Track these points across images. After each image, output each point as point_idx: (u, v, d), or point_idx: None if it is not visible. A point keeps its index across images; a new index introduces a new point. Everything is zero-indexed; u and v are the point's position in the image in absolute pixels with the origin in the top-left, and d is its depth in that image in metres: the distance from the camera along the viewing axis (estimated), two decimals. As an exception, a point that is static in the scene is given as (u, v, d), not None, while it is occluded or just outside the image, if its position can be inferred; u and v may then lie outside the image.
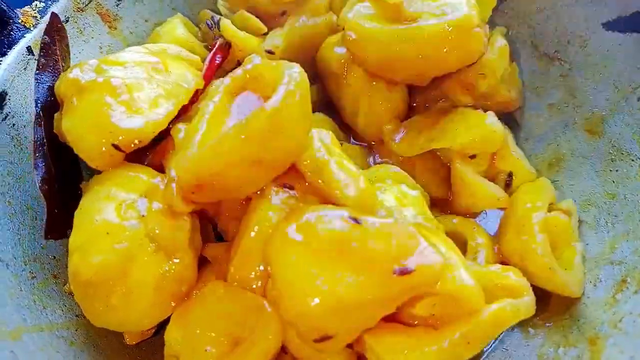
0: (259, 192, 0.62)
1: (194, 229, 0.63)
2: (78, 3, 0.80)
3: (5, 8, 0.74)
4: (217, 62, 0.77)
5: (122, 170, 0.63)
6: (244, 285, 0.59)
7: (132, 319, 0.59)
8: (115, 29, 0.86)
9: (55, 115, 0.67)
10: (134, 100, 0.61)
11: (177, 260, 0.60)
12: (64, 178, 0.66)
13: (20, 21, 0.75)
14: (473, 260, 0.71)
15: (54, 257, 0.70)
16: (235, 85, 0.63)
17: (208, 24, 0.85)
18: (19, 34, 0.75)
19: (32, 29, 0.75)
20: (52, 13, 0.71)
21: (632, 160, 0.72)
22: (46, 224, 0.64)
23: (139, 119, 0.61)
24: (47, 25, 0.69)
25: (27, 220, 0.69)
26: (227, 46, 0.80)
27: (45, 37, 0.67)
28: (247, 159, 0.55)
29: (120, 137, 0.60)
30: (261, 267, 0.59)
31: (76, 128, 0.62)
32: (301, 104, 0.56)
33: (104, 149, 0.60)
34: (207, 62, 0.75)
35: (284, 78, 0.56)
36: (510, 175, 0.79)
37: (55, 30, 0.69)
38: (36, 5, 0.78)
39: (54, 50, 0.67)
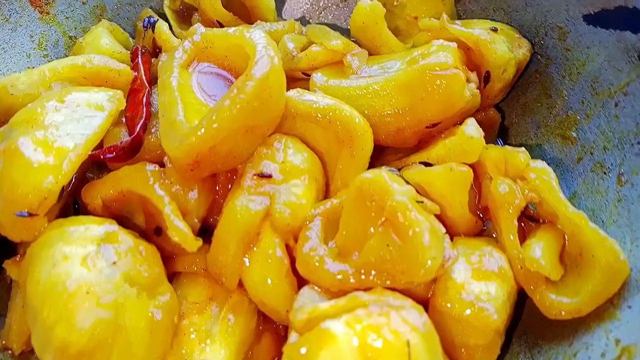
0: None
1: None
2: (0, -14, 0.72)
3: None
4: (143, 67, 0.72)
5: (59, 229, 0.58)
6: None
7: None
8: (48, 13, 0.78)
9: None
10: (36, 157, 0.57)
11: (162, 297, 0.59)
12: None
13: None
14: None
15: None
16: (188, 59, 0.66)
17: (144, 24, 0.79)
18: None
19: None
20: None
21: (604, 173, 0.67)
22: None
23: (39, 178, 0.57)
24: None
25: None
26: (147, 53, 0.76)
27: None
28: (242, 127, 0.59)
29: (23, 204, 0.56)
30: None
31: None
32: (280, 67, 0.61)
33: (16, 221, 0.57)
34: (138, 71, 0.72)
35: (257, 45, 0.60)
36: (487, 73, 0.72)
37: None
38: None
39: None
